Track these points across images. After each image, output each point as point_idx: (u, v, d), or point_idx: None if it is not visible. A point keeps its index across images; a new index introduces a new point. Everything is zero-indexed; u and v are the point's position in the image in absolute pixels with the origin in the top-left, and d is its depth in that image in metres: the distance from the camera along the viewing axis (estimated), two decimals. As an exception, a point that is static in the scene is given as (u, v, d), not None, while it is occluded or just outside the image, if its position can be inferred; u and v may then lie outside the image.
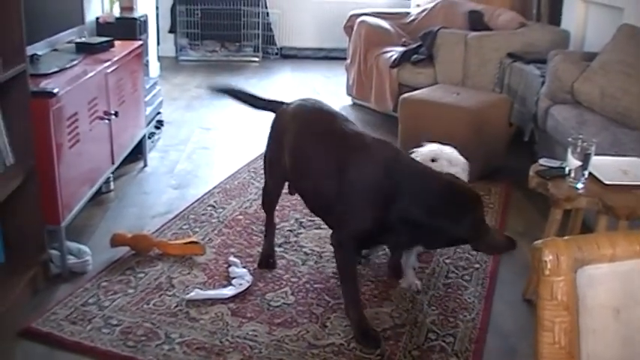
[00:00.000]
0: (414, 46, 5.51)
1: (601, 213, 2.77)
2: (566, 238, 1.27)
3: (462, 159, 3.25)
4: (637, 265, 1.25)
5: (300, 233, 3.63)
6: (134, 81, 4.12)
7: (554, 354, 1.22)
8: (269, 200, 3.30)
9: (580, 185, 2.81)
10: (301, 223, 3.75)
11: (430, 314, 2.92)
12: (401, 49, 5.61)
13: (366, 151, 2.69)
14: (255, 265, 3.26)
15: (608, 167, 2.94)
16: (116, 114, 3.68)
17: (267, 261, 3.27)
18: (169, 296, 2.98)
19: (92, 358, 2.58)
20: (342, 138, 2.77)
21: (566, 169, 2.86)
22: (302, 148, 2.87)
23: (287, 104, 3.13)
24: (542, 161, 3.05)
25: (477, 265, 3.34)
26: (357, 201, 2.62)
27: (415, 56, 5.40)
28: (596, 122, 3.82)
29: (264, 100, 3.33)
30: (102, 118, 3.53)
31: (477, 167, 4.31)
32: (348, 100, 6.24)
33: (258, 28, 7.87)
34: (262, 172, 4.35)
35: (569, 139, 2.85)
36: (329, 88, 6.79)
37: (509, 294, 3.14)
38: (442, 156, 3.18)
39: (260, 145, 4.88)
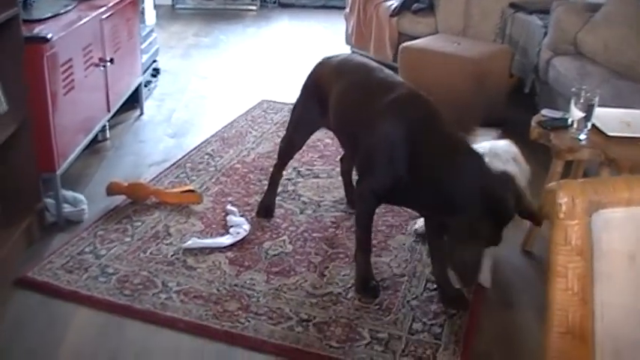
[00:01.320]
0: (415, -6, 5.41)
1: (603, 165, 2.74)
2: (581, 180, 1.22)
3: (519, 158, 2.93)
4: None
5: (299, 182, 3.61)
6: (130, 28, 4.04)
7: (567, 301, 1.18)
8: (289, 153, 3.27)
9: (583, 136, 2.77)
10: (299, 172, 3.72)
11: (429, 265, 2.90)
12: (402, -2, 5.51)
13: (396, 107, 2.56)
14: (253, 214, 3.24)
15: (610, 119, 2.89)
16: (111, 61, 3.61)
17: (266, 210, 3.25)
18: (166, 245, 2.97)
19: (89, 306, 2.58)
20: (379, 89, 2.67)
21: (569, 120, 2.82)
22: (346, 97, 2.79)
23: (324, 60, 3.07)
24: (544, 112, 3.01)
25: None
26: (378, 156, 2.55)
27: (416, 5, 5.31)
28: (598, 74, 3.77)
29: None
30: (97, 65, 3.48)
31: (478, 116, 4.29)
32: (347, 50, 6.15)
33: (256, -23, 7.74)
34: (260, 120, 4.37)
35: (573, 90, 2.81)
36: (328, 38, 6.70)
37: (508, 246, 3.09)
38: (492, 155, 2.80)
39: (257, 93, 4.88)
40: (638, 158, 2.68)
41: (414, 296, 2.71)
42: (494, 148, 2.91)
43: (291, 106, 4.57)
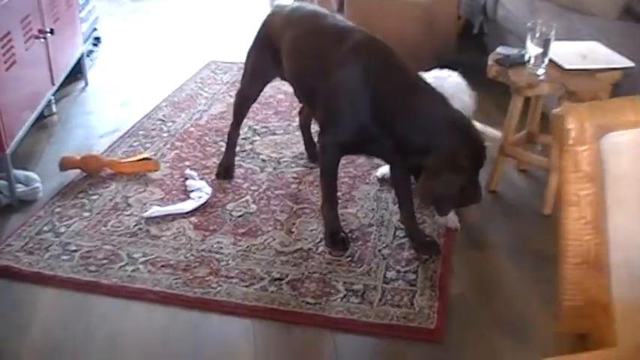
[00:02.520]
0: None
1: (563, 98, 2.73)
2: (587, 103, 1.18)
3: (467, 89, 2.91)
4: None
5: (255, 140, 3.54)
6: (67, -5, 3.88)
7: (580, 230, 1.15)
8: (244, 106, 3.20)
9: (541, 71, 2.76)
10: (255, 130, 3.65)
11: (396, 212, 2.88)
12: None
13: (353, 54, 2.50)
14: (213, 176, 3.17)
15: (566, 52, 2.89)
16: (52, 32, 3.46)
17: (226, 170, 3.18)
18: (127, 216, 2.88)
19: (54, 287, 2.48)
20: (333, 37, 2.61)
21: (526, 55, 2.80)
22: (298, 47, 2.74)
23: (275, 9, 3.02)
24: (499, 49, 2.98)
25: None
26: (340, 106, 2.49)
27: (358, -48, 5.20)
28: (548, 9, 3.75)
29: None
30: (37, 37, 3.32)
31: (429, 61, 4.24)
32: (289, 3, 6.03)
33: None
34: (210, 81, 4.27)
35: (528, 25, 2.78)
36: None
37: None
38: (445, 87, 2.76)
39: (204, 55, 4.76)
40: (597, 90, 2.69)
41: (384, 245, 2.69)
42: (439, 80, 2.87)
43: (240, 65, 4.52)
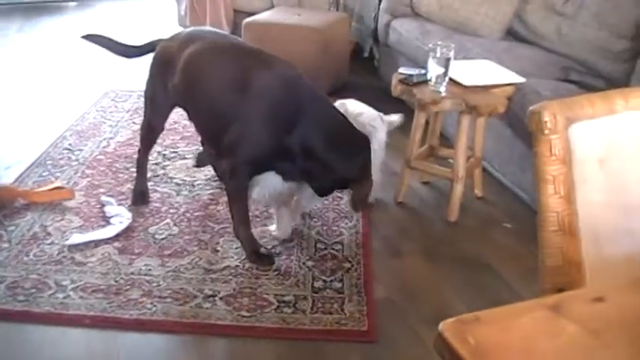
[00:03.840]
0: (246, -30, 5.45)
1: (464, 113, 2.96)
2: (557, 100, 1.40)
3: (383, 126, 3.17)
4: (612, 120, 1.44)
5: (167, 165, 3.59)
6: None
7: (556, 203, 1.39)
8: (151, 137, 3.20)
9: (443, 89, 2.98)
10: (165, 155, 3.70)
11: (313, 226, 3.03)
12: (233, -26, 5.53)
13: (268, 70, 2.62)
14: (129, 202, 3.19)
15: (463, 71, 3.13)
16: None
17: (141, 196, 3.20)
18: (48, 245, 2.87)
19: (-18, 319, 2.45)
20: (243, 55, 2.71)
21: (428, 74, 3.01)
22: (197, 67, 2.75)
23: (169, 37, 3.01)
24: (401, 70, 3.18)
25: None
26: (255, 123, 2.57)
27: (249, -20, 5.36)
28: (439, 32, 4.02)
29: (137, 46, 3.21)
30: None
31: (325, 84, 4.44)
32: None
33: (73, -36, 7.40)
34: (112, 110, 4.28)
35: (430, 46, 3.00)
36: (158, 21, 6.59)
37: (383, 201, 3.29)
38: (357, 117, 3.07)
39: (101, 84, 4.74)
40: (495, 103, 2.94)
41: (307, 257, 2.82)
42: (352, 114, 3.06)
43: (140, 93, 4.53)
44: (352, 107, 3.12)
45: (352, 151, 2.63)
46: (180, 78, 2.78)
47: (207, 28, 3.05)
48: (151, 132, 3.19)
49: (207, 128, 2.86)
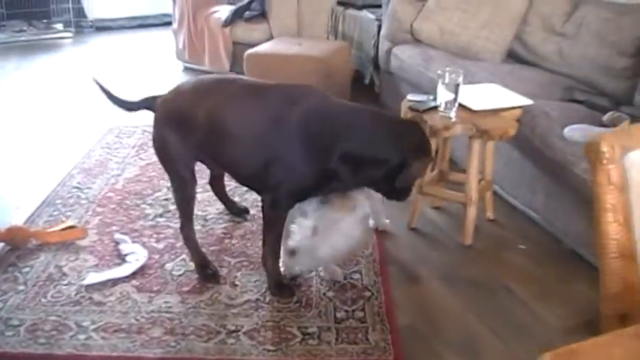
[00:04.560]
0: (245, 2, 5.49)
1: (475, 137, 2.98)
2: (612, 130, 1.42)
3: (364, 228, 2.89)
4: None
5: (178, 201, 3.58)
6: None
7: (614, 230, 1.42)
8: (189, 195, 2.92)
9: (453, 114, 3.00)
10: (175, 191, 3.69)
11: (330, 257, 3.02)
12: (231, 7, 5.57)
13: (294, 103, 2.57)
14: (143, 239, 3.18)
15: (470, 95, 3.15)
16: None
17: (209, 272, 2.90)
18: (65, 285, 2.85)
19: (4, 363, 2.43)
20: (262, 95, 2.66)
21: (438, 100, 3.03)
22: (222, 118, 2.64)
23: (170, 93, 2.86)
24: (409, 96, 3.20)
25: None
26: (294, 159, 2.52)
27: (247, 13, 5.41)
28: (441, 57, 4.05)
29: (133, 101, 3.08)
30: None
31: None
32: (180, 65, 6.12)
33: (68, 2, 7.43)
34: (117, 146, 4.28)
35: (438, 72, 3.02)
36: (156, 55, 6.63)
37: (396, 227, 3.30)
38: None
39: (103, 120, 4.74)
40: (505, 126, 2.95)
41: (327, 288, 2.81)
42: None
43: (144, 128, 4.55)
44: None
45: (397, 135, 2.58)
46: (205, 133, 2.67)
47: (207, 76, 2.98)
48: (185, 192, 2.90)
49: (245, 175, 2.76)
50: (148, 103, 2.95)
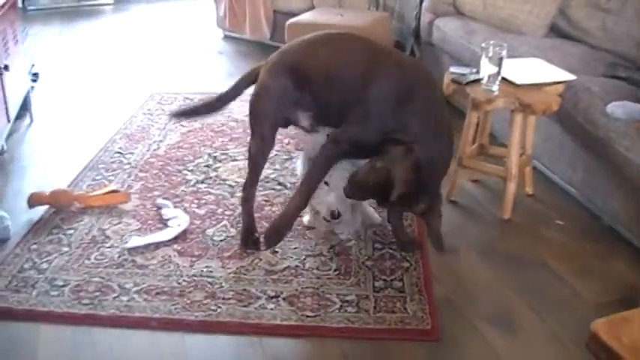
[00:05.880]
0: (286, -30, 5.47)
1: (517, 111, 2.97)
2: None
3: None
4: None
5: (218, 167, 3.62)
6: (14, 31, 3.86)
7: None
8: (262, 156, 2.89)
9: (495, 88, 2.98)
10: (215, 157, 3.74)
11: (371, 226, 3.04)
12: (272, -26, 5.57)
13: (394, 64, 2.69)
14: (185, 204, 3.23)
15: (513, 69, 3.13)
16: (6, 68, 3.46)
17: (252, 238, 2.91)
18: (108, 248, 2.91)
19: (50, 323, 2.48)
20: (368, 50, 2.74)
21: (481, 73, 3.02)
22: (333, 63, 2.71)
23: (286, 46, 2.95)
24: (452, 69, 3.19)
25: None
26: (377, 108, 2.60)
27: (288, -19, 5.39)
28: (483, 30, 4.02)
29: (224, 93, 3.05)
30: (-6, 74, 3.32)
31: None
32: (219, 33, 6.14)
33: (107, -33, 7.46)
34: (159, 112, 4.33)
35: (482, 45, 3.00)
36: (196, 22, 6.65)
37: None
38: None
39: (145, 87, 4.80)
40: (549, 101, 2.94)
41: (366, 257, 2.84)
42: None
43: (185, 95, 4.61)
44: None
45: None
46: (319, 78, 2.73)
47: (319, 32, 2.91)
48: (262, 150, 2.88)
49: (333, 111, 2.73)
50: (244, 83, 2.99)
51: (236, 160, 3.68)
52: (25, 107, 4.21)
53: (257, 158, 2.90)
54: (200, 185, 3.42)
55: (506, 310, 2.58)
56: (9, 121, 3.59)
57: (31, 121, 4.29)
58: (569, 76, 3.13)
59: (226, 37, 6.08)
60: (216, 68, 5.33)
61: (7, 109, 3.53)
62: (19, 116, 4.19)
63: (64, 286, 2.67)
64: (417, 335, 2.40)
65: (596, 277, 2.77)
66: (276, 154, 3.60)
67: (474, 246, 2.98)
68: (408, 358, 2.32)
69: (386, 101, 2.60)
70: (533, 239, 3.04)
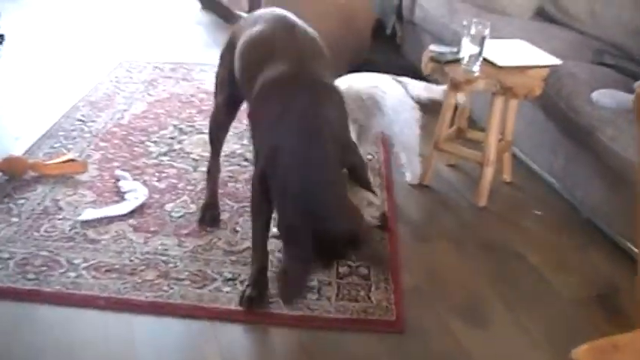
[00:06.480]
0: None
1: (498, 94, 2.82)
2: None
3: (411, 103, 2.96)
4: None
5: (183, 140, 3.45)
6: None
7: None
8: (217, 126, 2.74)
9: (476, 68, 2.83)
10: (181, 129, 3.56)
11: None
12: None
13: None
14: (145, 177, 3.06)
15: (496, 50, 2.98)
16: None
17: (210, 214, 2.77)
18: (60, 220, 2.74)
19: (-10, 297, 2.31)
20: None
21: (461, 53, 2.87)
22: (247, 52, 2.42)
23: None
24: (432, 47, 3.04)
25: (370, 157, 3.32)
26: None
27: (268, -50, 5.18)
28: (467, 10, 3.86)
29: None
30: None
31: (345, 60, 4.29)
32: (196, 4, 5.93)
33: None
34: (126, 81, 4.15)
35: (464, 24, 2.85)
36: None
37: (408, 183, 3.16)
38: (387, 105, 2.87)
39: (114, 54, 4.60)
40: (532, 85, 2.80)
41: (331, 242, 2.68)
42: (377, 94, 2.96)
43: (156, 65, 4.42)
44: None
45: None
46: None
47: (275, 11, 2.62)
48: (217, 120, 2.75)
49: None
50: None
51: (202, 132, 3.49)
52: (-17, 69, 4.00)
53: (211, 127, 2.80)
54: (163, 158, 3.25)
55: (478, 302, 2.45)
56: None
57: (-8, 83, 4.08)
58: (555, 61, 2.99)
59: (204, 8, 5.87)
60: (193, 39, 5.13)
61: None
62: (-23, 78, 3.99)
63: (9, 259, 2.49)
64: (380, 326, 2.25)
65: (573, 272, 2.65)
66: (244, 130, 3.43)
67: (447, 233, 2.84)
68: (369, 351, 2.17)
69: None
70: (509, 229, 2.91)
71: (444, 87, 2.97)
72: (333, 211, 2.05)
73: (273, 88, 2.21)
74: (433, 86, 3.03)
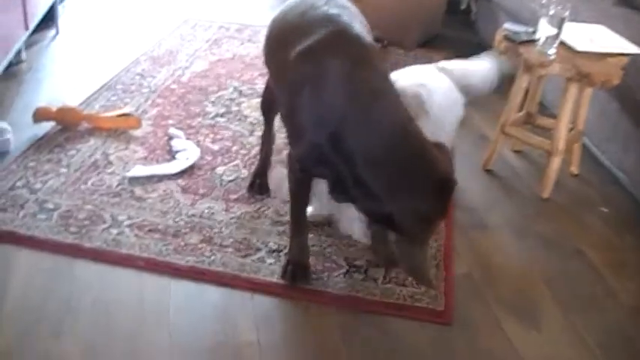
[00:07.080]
0: None
1: (572, 80, 2.64)
2: None
3: (458, 96, 2.64)
4: None
5: (242, 102, 3.37)
6: None
7: None
8: (269, 96, 2.57)
9: (552, 51, 2.66)
10: (241, 91, 3.49)
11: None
12: None
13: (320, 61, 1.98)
14: (199, 137, 3.00)
15: (575, 34, 2.79)
16: (27, -30, 3.22)
17: (260, 182, 2.66)
18: (108, 174, 2.70)
19: (31, 248, 2.28)
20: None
21: (537, 34, 2.69)
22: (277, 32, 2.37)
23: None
24: (507, 25, 2.87)
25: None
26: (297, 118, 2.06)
27: None
28: (547, -12, 3.65)
29: None
30: (11, -23, 3.09)
31: (416, 35, 4.15)
32: None
33: None
34: (190, 38, 4.09)
35: (543, 3, 2.67)
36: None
37: (469, 167, 3.02)
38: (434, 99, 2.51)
39: (181, 12, 4.53)
40: (611, 73, 2.60)
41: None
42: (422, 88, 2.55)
43: (221, 24, 4.35)
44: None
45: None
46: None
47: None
48: (269, 90, 2.57)
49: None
50: None
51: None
52: (51, 18, 3.98)
53: (264, 96, 2.66)
54: (219, 119, 3.18)
55: (530, 298, 2.30)
56: (27, 29, 3.35)
57: (57, 33, 4.06)
58: (637, 50, 2.78)
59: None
60: (262, 0, 5.04)
61: (25, 16, 3.29)
62: (46, 27, 3.97)
63: (54, 210, 2.46)
64: (427, 315, 2.13)
65: (634, 276, 2.47)
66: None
67: (506, 223, 2.69)
68: (410, 340, 2.05)
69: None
70: (571, 224, 2.74)
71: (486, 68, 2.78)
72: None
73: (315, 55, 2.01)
74: (471, 72, 2.79)
